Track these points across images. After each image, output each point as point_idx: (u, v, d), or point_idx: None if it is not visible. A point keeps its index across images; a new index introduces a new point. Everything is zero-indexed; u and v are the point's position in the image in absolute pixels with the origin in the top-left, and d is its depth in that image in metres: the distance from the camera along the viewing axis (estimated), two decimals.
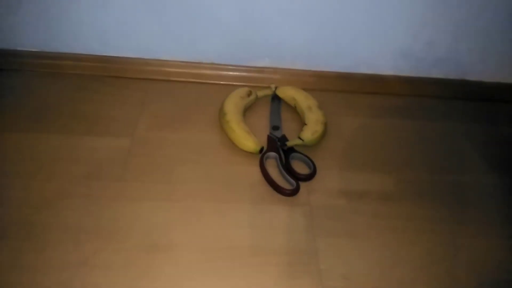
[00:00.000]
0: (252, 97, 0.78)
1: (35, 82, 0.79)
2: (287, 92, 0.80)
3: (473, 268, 0.58)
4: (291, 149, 0.70)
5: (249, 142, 0.69)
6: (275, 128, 0.74)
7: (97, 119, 0.73)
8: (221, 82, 0.83)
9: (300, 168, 0.68)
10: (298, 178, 0.65)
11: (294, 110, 0.79)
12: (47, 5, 0.74)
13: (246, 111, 0.77)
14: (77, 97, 0.77)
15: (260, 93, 0.80)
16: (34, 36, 0.79)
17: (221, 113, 0.73)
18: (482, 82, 0.86)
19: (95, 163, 0.66)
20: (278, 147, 0.70)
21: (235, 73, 0.84)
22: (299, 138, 0.70)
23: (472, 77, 0.85)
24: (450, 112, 0.84)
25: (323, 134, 0.72)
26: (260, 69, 0.84)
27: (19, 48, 0.81)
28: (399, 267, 0.57)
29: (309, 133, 0.71)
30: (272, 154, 0.69)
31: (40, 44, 0.80)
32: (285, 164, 0.68)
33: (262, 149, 0.69)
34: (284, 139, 0.71)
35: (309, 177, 0.66)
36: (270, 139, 0.71)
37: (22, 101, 0.75)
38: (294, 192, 0.63)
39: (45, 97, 0.77)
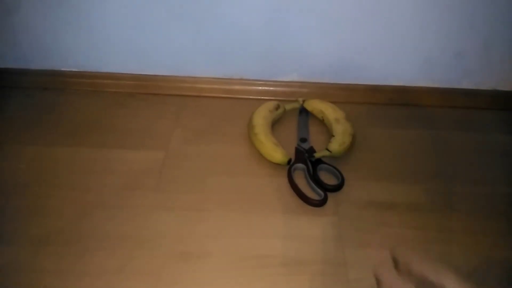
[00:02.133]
0: (280, 110, 0.79)
1: (76, 100, 0.84)
2: (315, 105, 0.81)
3: (506, 281, 0.56)
4: (319, 161, 0.71)
5: (277, 153, 0.70)
6: (303, 140, 0.75)
7: (134, 134, 0.77)
8: (250, 97, 0.86)
9: (328, 179, 0.68)
10: (326, 188, 0.66)
11: (322, 122, 0.80)
12: (88, 29, 0.80)
13: (275, 124, 0.79)
14: (115, 114, 0.82)
15: (288, 107, 0.82)
16: (76, 57, 0.85)
17: (250, 126, 0.75)
18: None
19: (131, 174, 0.69)
20: (306, 158, 0.71)
21: (263, 88, 0.86)
22: (327, 149, 0.71)
23: (504, 87, 0.84)
24: (481, 123, 0.82)
25: (351, 146, 0.73)
26: (288, 83, 0.85)
27: (63, 69, 0.86)
28: None
29: (337, 145, 0.71)
30: (300, 165, 0.70)
31: (82, 64, 0.86)
32: (313, 175, 0.68)
33: (290, 160, 0.70)
34: (312, 150, 0.72)
35: (337, 187, 0.67)
36: (298, 151, 0.73)
37: (64, 118, 0.80)
38: (322, 202, 0.64)
39: (85, 113, 0.82)
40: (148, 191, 0.66)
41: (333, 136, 0.74)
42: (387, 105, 0.85)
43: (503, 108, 0.85)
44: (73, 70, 0.86)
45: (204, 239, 0.60)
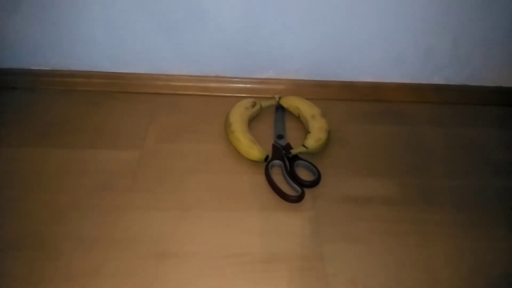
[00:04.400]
0: (257, 107, 0.80)
1: (47, 99, 0.82)
2: (291, 102, 0.81)
3: (478, 271, 0.58)
4: (296, 157, 0.71)
5: (254, 151, 0.70)
6: (280, 137, 0.75)
7: (108, 133, 0.75)
8: (226, 94, 0.85)
9: (305, 175, 0.69)
10: (303, 184, 0.67)
11: (298, 119, 0.80)
12: (59, 26, 0.77)
13: (251, 121, 0.79)
14: (88, 113, 0.80)
15: (265, 104, 0.82)
16: (47, 56, 0.82)
17: (227, 124, 0.75)
18: (484, 87, 0.87)
19: (106, 175, 0.68)
20: (283, 155, 0.71)
21: (239, 85, 0.86)
22: (303, 145, 0.72)
23: (474, 82, 0.86)
24: (452, 117, 0.84)
25: (327, 142, 0.74)
26: (264, 81, 0.86)
27: (33, 67, 0.84)
28: (405, 270, 0.58)
29: (313, 141, 0.72)
30: (277, 162, 0.70)
31: (52, 63, 0.83)
32: (290, 172, 0.69)
33: (267, 157, 0.70)
34: (288, 147, 0.73)
35: (314, 183, 0.67)
36: (275, 148, 0.73)
37: (34, 118, 0.78)
38: (299, 198, 0.64)
39: (57, 113, 0.79)
40: (123, 191, 0.65)
41: (309, 132, 0.74)
42: (361, 101, 0.86)
43: (473, 102, 0.87)
44: (43, 68, 0.84)
45: (182, 239, 0.59)
